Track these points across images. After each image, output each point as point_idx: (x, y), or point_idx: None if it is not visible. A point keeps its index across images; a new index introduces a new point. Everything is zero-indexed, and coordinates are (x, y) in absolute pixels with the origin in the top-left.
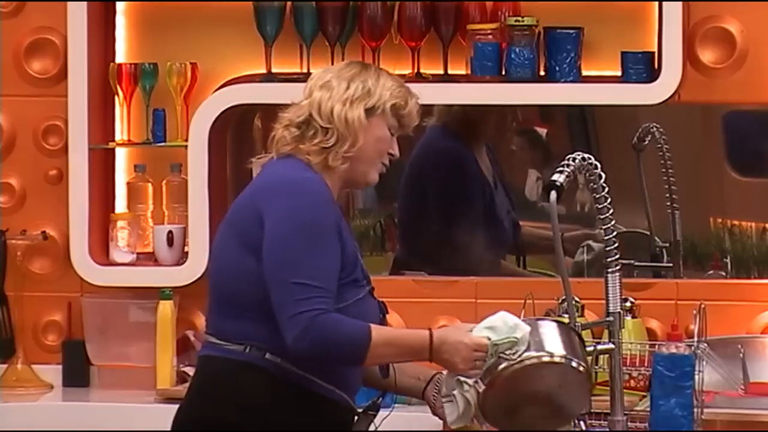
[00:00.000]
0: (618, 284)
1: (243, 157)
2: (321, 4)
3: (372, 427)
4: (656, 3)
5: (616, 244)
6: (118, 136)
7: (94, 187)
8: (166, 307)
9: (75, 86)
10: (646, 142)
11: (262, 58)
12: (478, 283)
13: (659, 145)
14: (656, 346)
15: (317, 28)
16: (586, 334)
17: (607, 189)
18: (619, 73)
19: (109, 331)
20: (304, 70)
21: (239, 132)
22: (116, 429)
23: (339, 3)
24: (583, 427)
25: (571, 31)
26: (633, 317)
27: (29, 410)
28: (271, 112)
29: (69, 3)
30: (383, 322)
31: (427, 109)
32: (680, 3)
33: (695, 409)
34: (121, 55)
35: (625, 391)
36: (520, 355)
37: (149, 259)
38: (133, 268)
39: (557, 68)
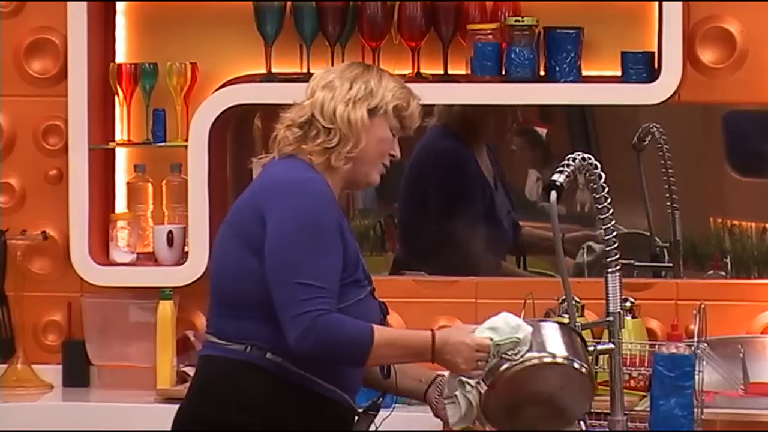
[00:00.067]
0: (618, 284)
1: (243, 157)
2: (321, 4)
3: (372, 427)
4: (656, 3)
5: (616, 244)
6: (118, 136)
7: (94, 187)
8: (166, 307)
9: (75, 86)
10: (646, 142)
11: (262, 58)
12: (478, 283)
13: (659, 145)
14: (656, 346)
15: (317, 28)
16: (586, 334)
17: (607, 189)
18: (619, 73)
19: (109, 331)
20: (304, 70)
21: (239, 132)
22: (116, 429)
23: (339, 3)
24: (583, 427)
25: (571, 31)
26: (633, 317)
27: (29, 410)
28: (271, 112)
29: (69, 3)
30: (384, 322)
31: (427, 110)
32: (680, 3)
33: (695, 409)
34: (121, 55)
35: (625, 391)
36: (522, 356)
37: (149, 259)
38: (133, 268)
39: (557, 68)
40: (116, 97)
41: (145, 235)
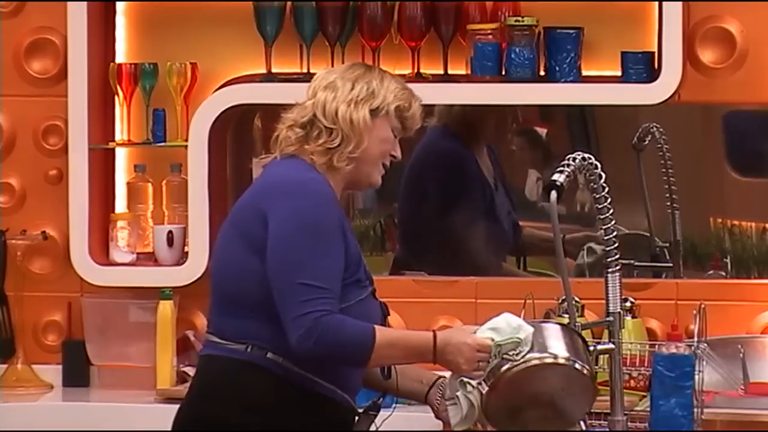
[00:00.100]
0: (618, 284)
1: (243, 157)
2: (321, 4)
3: (373, 428)
4: (656, 3)
5: (616, 244)
6: (118, 136)
7: (94, 187)
8: (166, 307)
9: (75, 86)
10: (646, 142)
11: (262, 58)
12: (478, 283)
13: (659, 145)
14: (656, 346)
15: (317, 28)
16: (586, 334)
17: (607, 189)
18: (619, 73)
19: (109, 331)
20: (304, 70)
21: (239, 132)
22: (116, 429)
23: (339, 3)
24: (583, 427)
25: (571, 31)
26: (633, 317)
27: (29, 410)
28: (271, 112)
29: (69, 3)
30: (385, 323)
31: (427, 110)
32: (680, 3)
33: (695, 409)
34: (121, 55)
35: (625, 391)
36: (523, 356)
37: (149, 259)
38: (133, 268)
39: (557, 68)
40: (116, 97)
41: (145, 235)
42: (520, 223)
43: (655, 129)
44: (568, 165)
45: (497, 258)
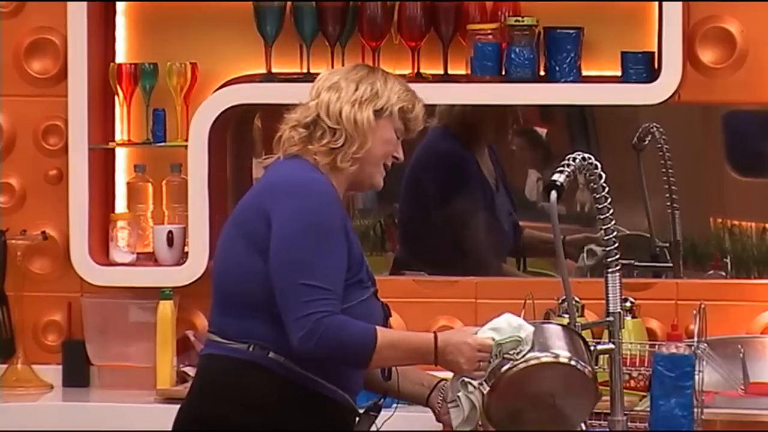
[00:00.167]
0: (618, 284)
1: (243, 157)
2: (321, 4)
3: (373, 428)
4: (656, 3)
5: (616, 244)
6: (118, 136)
7: (94, 187)
8: (166, 307)
9: (75, 86)
10: (646, 142)
11: (262, 58)
12: (478, 283)
13: (659, 145)
14: (656, 346)
15: (317, 28)
16: (586, 334)
17: (607, 189)
18: (619, 73)
19: (109, 331)
20: (304, 70)
21: (239, 132)
22: (116, 429)
23: (339, 3)
24: (583, 427)
25: (571, 31)
26: (633, 317)
27: (29, 410)
28: (271, 112)
29: (69, 3)
30: (386, 323)
31: (428, 111)
32: (680, 3)
33: (695, 409)
34: (121, 55)
35: (625, 391)
36: (524, 356)
37: (149, 259)
38: (133, 268)
39: (557, 68)
40: (116, 97)
41: (145, 235)
42: (521, 224)
43: (655, 129)
44: (568, 165)
45: (497, 258)
